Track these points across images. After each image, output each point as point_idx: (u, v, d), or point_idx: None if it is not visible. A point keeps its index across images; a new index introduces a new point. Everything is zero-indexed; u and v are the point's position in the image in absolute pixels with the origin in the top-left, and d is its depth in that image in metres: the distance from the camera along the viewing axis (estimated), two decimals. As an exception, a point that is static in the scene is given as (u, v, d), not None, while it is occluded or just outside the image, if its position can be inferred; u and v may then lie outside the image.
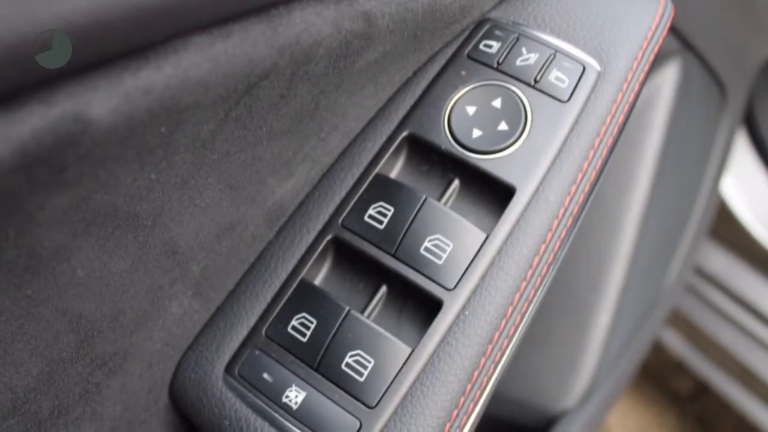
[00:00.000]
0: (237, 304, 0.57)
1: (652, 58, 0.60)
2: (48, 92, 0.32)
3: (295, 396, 0.53)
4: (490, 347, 0.54)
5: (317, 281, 0.58)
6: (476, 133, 0.57)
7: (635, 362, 1.45)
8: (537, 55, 0.59)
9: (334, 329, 0.54)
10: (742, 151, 1.56)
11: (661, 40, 0.61)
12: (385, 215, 0.56)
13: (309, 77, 0.48)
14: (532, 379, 1.21)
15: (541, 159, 0.56)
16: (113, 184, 0.39)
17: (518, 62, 0.59)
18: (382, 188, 0.57)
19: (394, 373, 0.52)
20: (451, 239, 0.54)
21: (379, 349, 0.53)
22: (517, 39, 0.60)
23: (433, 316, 0.53)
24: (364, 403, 0.52)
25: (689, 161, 1.25)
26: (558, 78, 0.58)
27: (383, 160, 0.58)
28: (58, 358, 0.45)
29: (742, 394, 1.79)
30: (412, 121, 0.59)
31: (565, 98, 0.57)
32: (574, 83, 0.58)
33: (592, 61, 0.58)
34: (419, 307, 0.55)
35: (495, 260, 0.55)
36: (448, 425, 0.53)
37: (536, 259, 0.55)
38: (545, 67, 0.58)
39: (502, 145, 0.56)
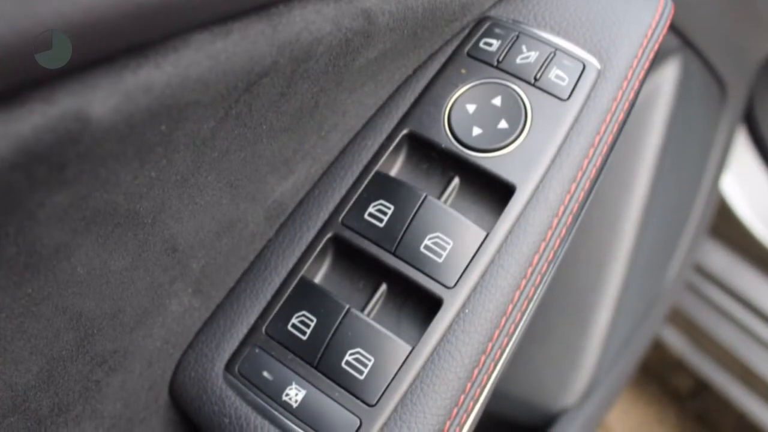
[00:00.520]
0: (237, 302, 0.57)
1: (652, 55, 0.60)
2: (48, 90, 0.32)
3: (295, 394, 0.53)
4: (490, 345, 0.54)
5: (317, 279, 0.58)
6: (476, 131, 0.57)
7: (635, 360, 1.45)
8: (537, 53, 0.59)
9: (334, 327, 0.54)
10: (742, 149, 1.56)
11: (661, 37, 0.61)
12: (385, 213, 0.56)
13: (309, 75, 0.48)
14: (532, 377, 1.22)
15: (541, 157, 0.56)
16: (113, 182, 0.39)
17: (518, 60, 0.59)
18: (382, 186, 0.57)
19: (394, 371, 0.53)
20: (451, 237, 0.54)
21: (379, 347, 0.53)
22: (517, 37, 0.60)
23: (433, 314, 0.53)
24: (364, 402, 0.52)
25: (689, 159, 1.25)
26: (558, 76, 0.58)
27: (383, 158, 0.58)
28: (58, 355, 0.45)
29: (742, 391, 1.79)
30: (412, 119, 0.59)
31: (565, 96, 0.57)
32: (574, 81, 0.58)
33: (592, 59, 0.58)
34: (419, 305, 0.55)
35: (495, 258, 0.55)
36: (448, 423, 0.53)
37: (536, 257, 0.55)
38: (545, 65, 0.58)
39: (502, 143, 0.56)
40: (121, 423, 0.54)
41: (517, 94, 0.58)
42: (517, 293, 0.54)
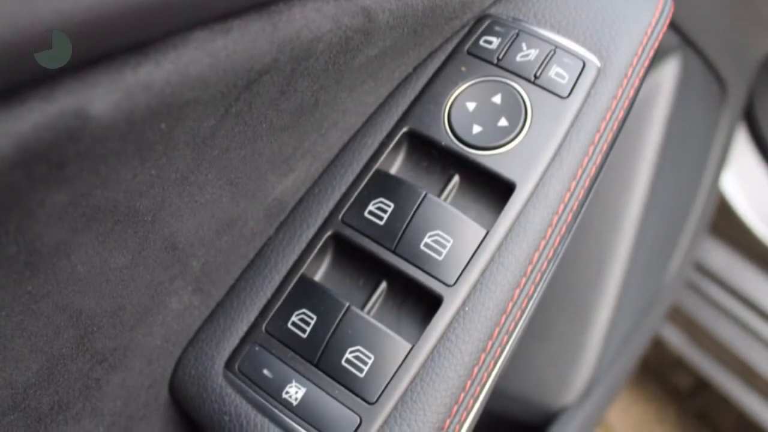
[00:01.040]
0: (237, 299, 0.57)
1: (651, 54, 0.60)
2: (48, 88, 0.32)
3: (295, 392, 0.53)
4: (490, 343, 0.54)
5: (317, 277, 0.58)
6: (476, 128, 0.57)
7: (635, 358, 1.46)
8: (537, 51, 0.59)
9: (334, 325, 0.54)
10: (742, 147, 1.56)
11: (661, 36, 0.61)
12: (385, 211, 0.56)
13: (309, 73, 0.48)
14: (532, 375, 1.22)
15: (541, 155, 0.56)
16: (113, 180, 0.39)
17: (518, 58, 0.59)
18: (382, 184, 0.57)
19: (394, 369, 0.53)
20: (451, 235, 0.54)
21: (379, 345, 0.53)
22: (517, 35, 0.60)
23: (433, 312, 0.53)
24: (364, 399, 0.52)
25: (689, 157, 1.25)
26: (558, 74, 0.58)
27: (383, 156, 0.58)
28: (58, 353, 0.46)
29: (742, 389, 1.79)
30: (412, 117, 0.59)
31: (565, 94, 0.57)
32: (574, 79, 0.57)
33: (591, 57, 0.58)
34: (419, 303, 0.55)
35: (495, 256, 0.55)
36: (448, 421, 0.53)
37: (536, 255, 0.55)
38: (545, 62, 0.58)
39: (502, 141, 0.56)
40: (121, 421, 0.54)
41: (517, 91, 0.58)
42: (517, 291, 0.54)
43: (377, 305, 0.57)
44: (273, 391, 0.54)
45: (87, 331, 0.46)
